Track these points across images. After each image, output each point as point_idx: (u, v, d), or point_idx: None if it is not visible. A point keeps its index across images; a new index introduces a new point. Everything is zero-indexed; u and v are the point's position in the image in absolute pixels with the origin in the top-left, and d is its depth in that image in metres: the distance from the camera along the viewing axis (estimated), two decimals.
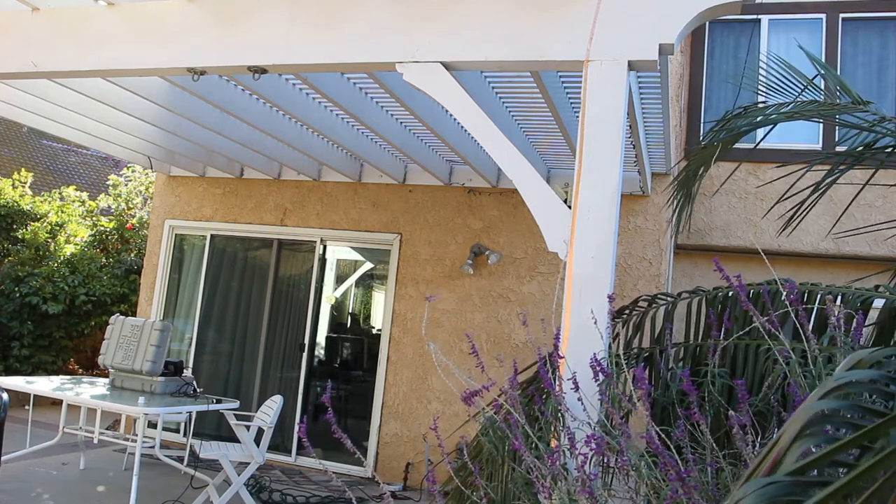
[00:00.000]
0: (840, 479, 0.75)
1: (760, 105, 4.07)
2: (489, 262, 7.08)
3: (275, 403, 5.64)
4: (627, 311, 3.42)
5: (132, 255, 11.01)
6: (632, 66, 3.07)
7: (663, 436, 2.08)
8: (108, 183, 12.83)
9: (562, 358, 2.70)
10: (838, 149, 4.53)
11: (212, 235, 8.20)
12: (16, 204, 10.65)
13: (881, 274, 4.40)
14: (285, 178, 7.92)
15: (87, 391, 5.65)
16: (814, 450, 0.85)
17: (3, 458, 4.85)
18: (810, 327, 2.19)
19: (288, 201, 7.93)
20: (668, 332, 2.78)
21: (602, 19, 3.09)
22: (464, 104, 3.31)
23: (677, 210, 4.42)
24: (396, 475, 7.08)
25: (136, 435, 5.46)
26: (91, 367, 10.72)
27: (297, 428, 7.26)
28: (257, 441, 5.54)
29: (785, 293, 2.43)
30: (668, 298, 3.31)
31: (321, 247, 7.78)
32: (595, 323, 2.72)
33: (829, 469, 0.89)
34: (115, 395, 5.66)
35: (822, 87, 4.25)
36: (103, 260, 10.70)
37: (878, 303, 2.87)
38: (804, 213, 3.87)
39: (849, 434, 0.85)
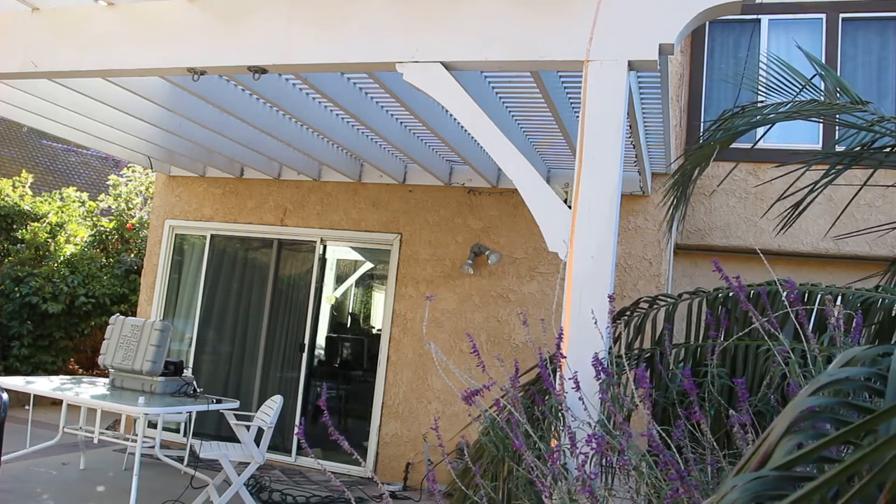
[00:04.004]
0: (824, 473, 0.75)
1: (758, 105, 4.07)
2: (489, 262, 7.08)
3: (275, 403, 5.64)
4: (629, 313, 3.42)
5: (132, 255, 11.01)
6: (632, 66, 3.07)
7: (664, 435, 2.08)
8: (108, 183, 12.83)
9: (564, 357, 2.70)
10: (838, 149, 4.52)
11: (212, 235, 8.20)
12: (16, 204, 10.66)
13: (881, 274, 4.40)
14: (285, 178, 7.93)
15: (87, 391, 5.65)
16: (803, 445, 0.85)
17: (3, 458, 4.85)
18: (810, 328, 2.19)
19: (288, 201, 7.93)
20: (668, 333, 2.79)
21: (602, 19, 3.09)
22: (464, 104, 3.31)
23: (671, 210, 4.42)
24: (396, 475, 7.08)
25: (136, 435, 5.46)
26: (91, 367, 10.72)
27: (296, 428, 7.26)
28: (257, 441, 5.54)
29: (785, 293, 2.43)
30: (669, 300, 3.32)
31: (321, 247, 7.78)
32: (595, 323, 2.72)
33: (818, 465, 0.89)
34: (115, 395, 5.67)
35: (823, 87, 4.25)
36: (103, 260, 10.70)
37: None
38: (799, 213, 3.87)
39: (838, 430, 0.85)
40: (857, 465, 0.73)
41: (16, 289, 9.72)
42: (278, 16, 3.67)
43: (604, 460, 2.28)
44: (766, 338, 2.27)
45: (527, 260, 7.06)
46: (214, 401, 5.74)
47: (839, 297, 2.90)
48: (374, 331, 7.95)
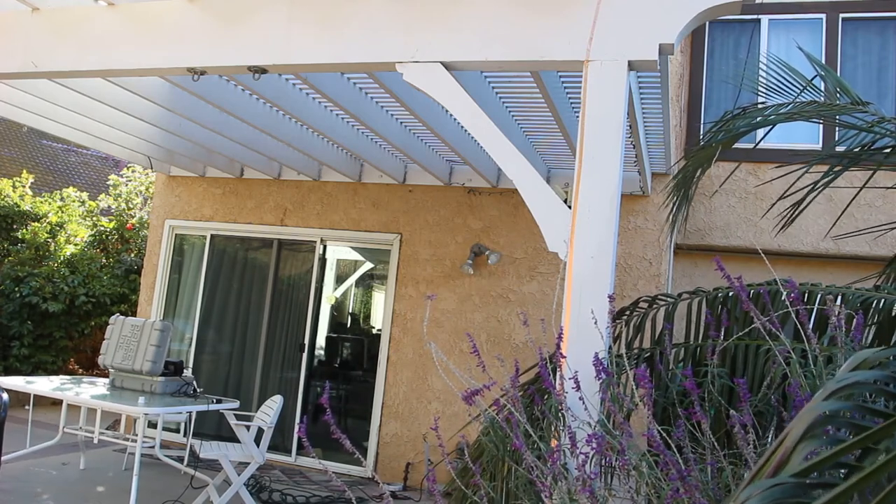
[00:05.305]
0: (844, 481, 0.75)
1: (759, 106, 4.07)
2: (489, 262, 7.08)
3: (275, 403, 5.64)
4: (628, 312, 3.42)
5: (132, 255, 11.01)
6: (632, 66, 3.07)
7: (664, 435, 2.08)
8: (108, 183, 12.84)
9: (564, 357, 2.70)
10: (838, 149, 4.52)
11: (212, 235, 8.20)
12: (16, 204, 10.66)
13: (878, 274, 4.40)
14: (285, 178, 7.93)
15: (87, 391, 5.64)
16: (819, 451, 0.85)
17: (3, 458, 4.85)
18: (810, 327, 2.19)
19: (288, 201, 7.93)
20: (667, 333, 2.79)
21: (602, 19, 3.09)
22: (464, 104, 3.31)
23: (674, 211, 4.42)
24: (396, 475, 7.08)
25: (136, 435, 5.46)
26: (91, 367, 10.72)
27: (297, 428, 7.26)
28: (257, 441, 5.54)
29: (786, 293, 2.43)
30: (669, 299, 3.31)
31: (321, 247, 7.78)
32: (595, 323, 2.72)
33: (834, 470, 0.89)
34: (115, 395, 5.66)
35: (823, 88, 4.25)
36: (103, 260, 10.70)
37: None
38: (797, 213, 3.87)
39: (853, 435, 0.85)
40: (878, 473, 0.73)
41: (16, 289, 9.72)
42: (278, 16, 3.67)
43: (604, 460, 2.28)
44: (766, 337, 2.27)
45: (527, 260, 7.06)
46: (214, 401, 5.73)
47: (839, 297, 2.90)
48: (374, 331, 7.95)
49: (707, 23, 7.41)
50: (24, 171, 11.67)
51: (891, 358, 1.05)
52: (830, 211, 6.83)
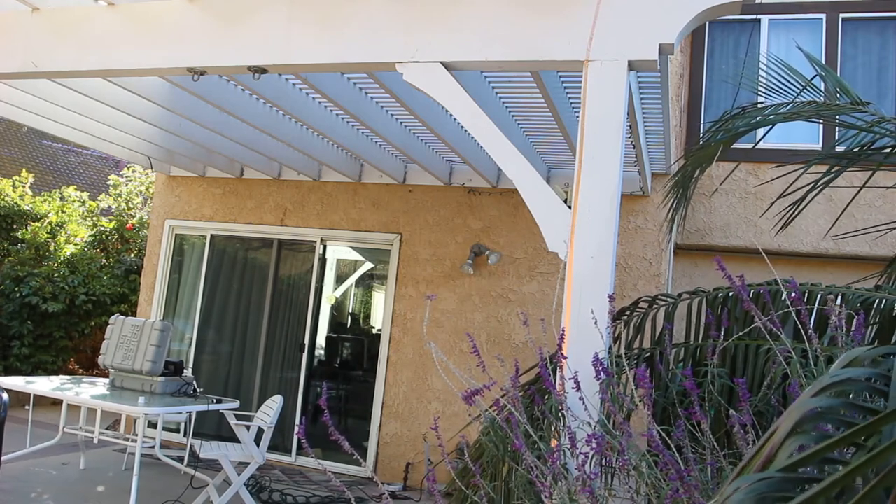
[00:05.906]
0: (830, 476, 0.75)
1: (759, 105, 4.07)
2: (489, 262, 7.08)
3: (275, 403, 5.64)
4: (628, 313, 3.42)
5: (132, 255, 11.02)
6: (632, 66, 3.07)
7: (664, 435, 2.08)
8: (108, 183, 12.84)
9: (565, 358, 2.70)
10: (838, 149, 4.53)
11: (212, 235, 8.20)
12: (16, 204, 10.66)
13: (879, 274, 4.40)
14: (285, 178, 7.93)
15: (87, 391, 5.64)
16: (807, 446, 0.85)
17: (3, 458, 4.85)
18: (810, 327, 2.19)
19: (288, 201, 7.93)
20: (667, 333, 2.78)
21: (602, 19, 3.09)
22: (464, 104, 3.31)
23: (672, 210, 4.42)
24: (396, 475, 7.08)
25: (136, 435, 5.46)
26: (91, 367, 10.72)
27: (296, 429, 7.27)
28: (257, 441, 5.54)
29: (786, 293, 2.44)
30: (669, 300, 3.31)
31: (321, 247, 7.78)
32: (595, 323, 2.72)
33: (822, 466, 0.89)
34: (115, 395, 5.66)
35: (823, 88, 4.24)
36: (103, 260, 10.70)
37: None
38: (796, 212, 3.87)
39: (842, 431, 0.85)
40: (863, 468, 0.73)
41: (16, 289, 9.72)
42: (278, 16, 3.67)
43: (604, 460, 2.28)
44: (766, 337, 2.27)
45: (527, 260, 7.06)
46: (214, 401, 5.73)
47: (839, 297, 2.91)
48: (374, 331, 7.95)
49: (707, 23, 7.41)
50: (24, 171, 11.67)
51: (888, 356, 1.06)
52: (830, 211, 6.83)
